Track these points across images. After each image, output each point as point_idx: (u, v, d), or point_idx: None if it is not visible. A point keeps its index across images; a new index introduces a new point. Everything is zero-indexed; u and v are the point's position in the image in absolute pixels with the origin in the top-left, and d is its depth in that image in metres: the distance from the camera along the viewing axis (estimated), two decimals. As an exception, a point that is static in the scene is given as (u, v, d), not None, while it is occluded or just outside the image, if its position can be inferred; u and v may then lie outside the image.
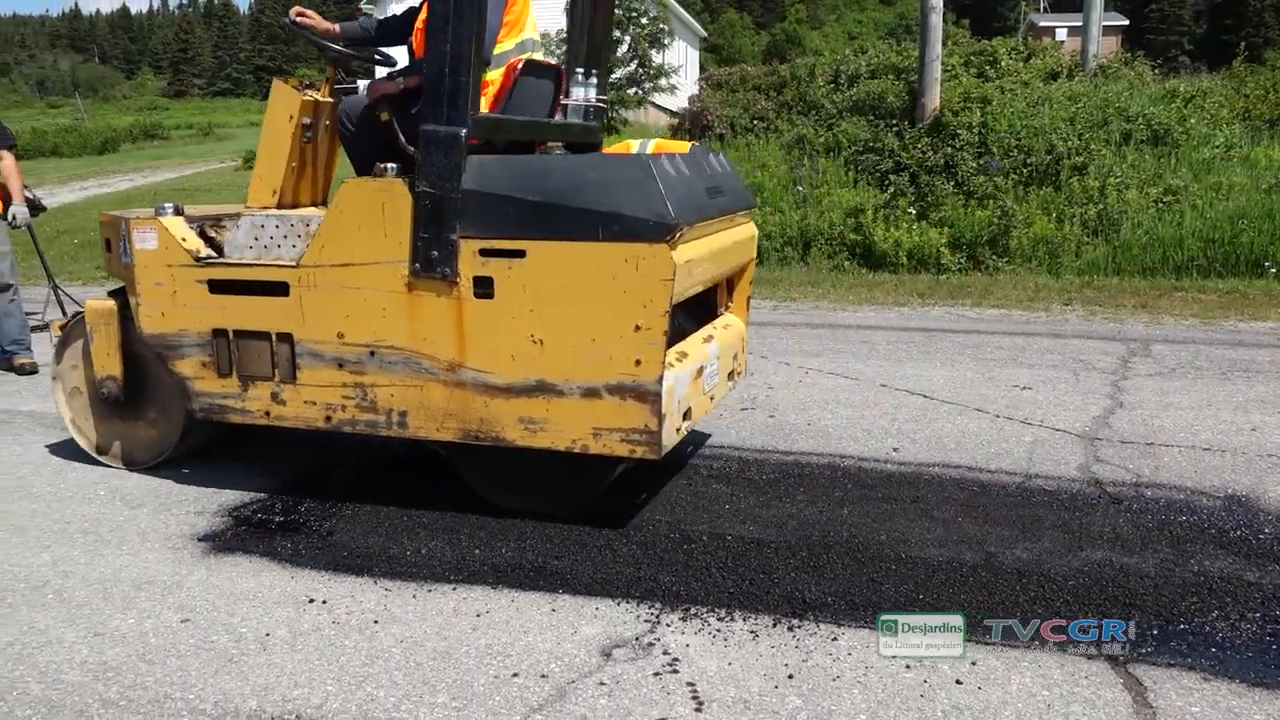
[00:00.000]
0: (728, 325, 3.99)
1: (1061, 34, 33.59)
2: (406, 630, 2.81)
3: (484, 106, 3.58)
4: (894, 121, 11.26)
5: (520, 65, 3.70)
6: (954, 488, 3.85)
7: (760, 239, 9.86)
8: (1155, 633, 2.74)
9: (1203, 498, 3.74)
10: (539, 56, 3.92)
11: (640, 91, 23.11)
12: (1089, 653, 2.64)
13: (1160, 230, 9.25)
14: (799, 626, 2.81)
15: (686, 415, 3.37)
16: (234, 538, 3.47)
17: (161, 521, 3.61)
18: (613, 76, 22.55)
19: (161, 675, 2.59)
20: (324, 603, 2.98)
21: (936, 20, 10.88)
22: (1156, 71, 14.02)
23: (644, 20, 23.22)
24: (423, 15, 3.55)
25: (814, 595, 2.98)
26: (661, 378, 3.11)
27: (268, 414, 3.63)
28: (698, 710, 2.41)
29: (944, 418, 4.79)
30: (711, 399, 3.68)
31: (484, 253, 3.21)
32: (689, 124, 13.08)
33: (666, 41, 23.96)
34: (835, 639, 2.73)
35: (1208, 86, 13.11)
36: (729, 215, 3.67)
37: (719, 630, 2.79)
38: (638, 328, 3.07)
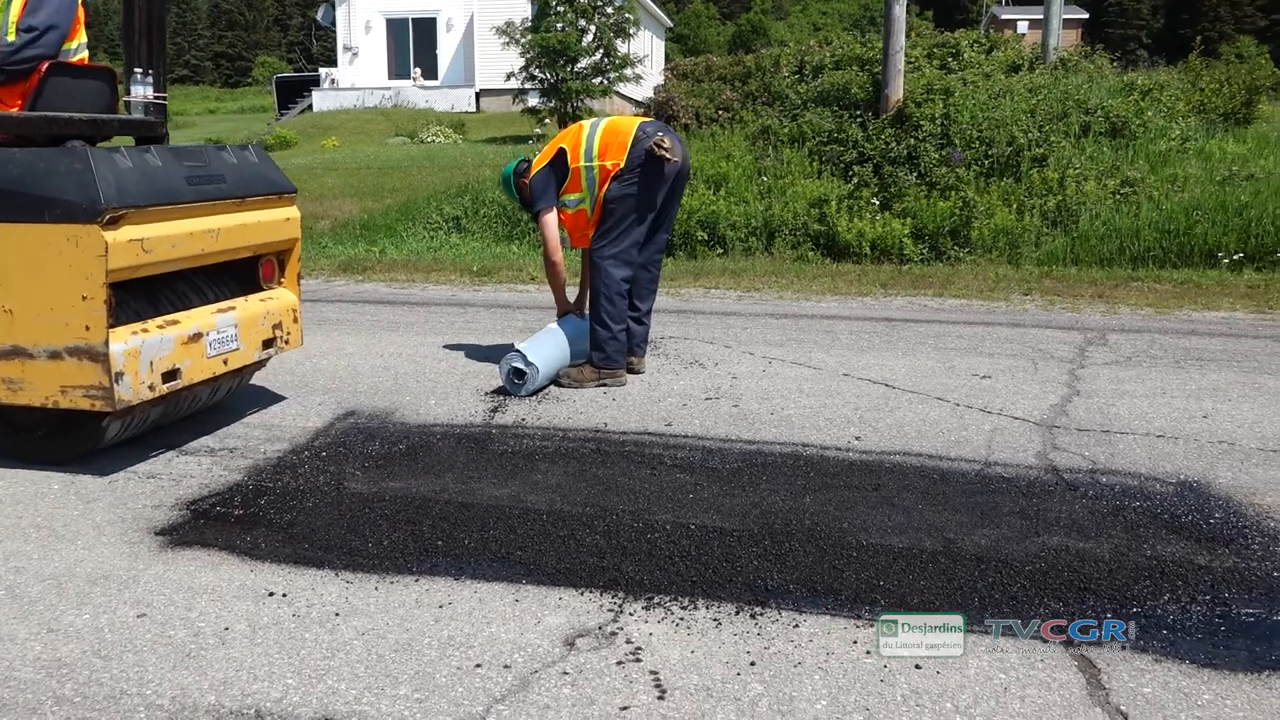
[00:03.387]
0: (268, 298, 4.50)
1: (1023, 26, 33.97)
2: (368, 622, 2.79)
3: (14, 105, 4.05)
4: (858, 112, 11.33)
5: (46, 67, 4.06)
6: (914, 475, 3.90)
7: (724, 229, 9.98)
8: (1109, 616, 2.79)
9: (1156, 484, 3.81)
10: (79, 58, 4.33)
11: (605, 81, 23.05)
12: (1045, 636, 2.68)
13: (1117, 221, 9.40)
14: (761, 614, 2.83)
15: (172, 376, 3.88)
16: (191, 531, 3.43)
17: (117, 515, 3.56)
18: (578, 65, 22.49)
19: (117, 671, 2.55)
20: (284, 596, 2.95)
21: (900, 12, 10.95)
22: (1115, 64, 14.23)
23: (609, 10, 23.15)
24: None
25: (776, 583, 3.00)
26: (108, 340, 3.58)
27: None
28: (660, 698, 2.42)
29: (905, 406, 4.83)
30: (226, 363, 4.18)
31: None
32: (654, 114, 13.07)
33: (632, 31, 23.90)
34: (797, 626, 2.76)
35: (1164, 80, 13.32)
36: (227, 200, 4.16)
37: (682, 619, 2.81)
38: (84, 298, 3.56)
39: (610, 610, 2.86)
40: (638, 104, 18.65)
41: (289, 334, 4.59)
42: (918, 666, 2.54)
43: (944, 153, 10.40)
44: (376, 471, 3.96)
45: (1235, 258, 8.74)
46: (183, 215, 3.92)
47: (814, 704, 2.39)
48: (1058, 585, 2.96)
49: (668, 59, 34.90)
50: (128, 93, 4.44)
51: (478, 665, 2.57)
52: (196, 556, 3.22)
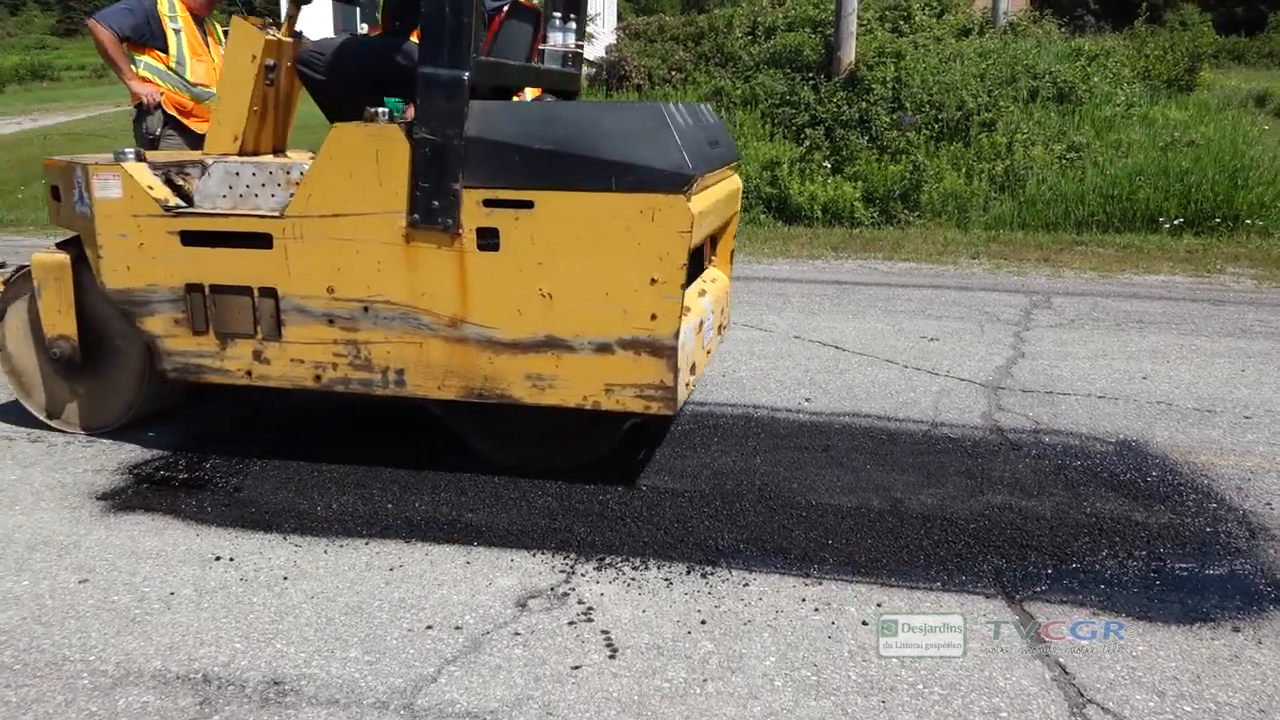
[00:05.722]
0: (714, 279, 3.95)
1: (974, -9, 34.05)
2: (318, 586, 2.77)
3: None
4: (810, 75, 11.30)
5: (507, 7, 3.61)
6: (863, 436, 3.94)
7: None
8: (1050, 571, 2.86)
9: (1096, 443, 3.90)
10: None
11: (557, 40, 22.71)
12: (987, 592, 2.75)
13: (1063, 186, 9.52)
14: (712, 573, 2.85)
15: (692, 369, 3.36)
16: (135, 496, 3.36)
17: (57, 480, 3.47)
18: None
19: (59, 637, 2.51)
20: (231, 560, 2.92)
21: (852, -27, 10.89)
22: (1063, 30, 14.33)
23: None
24: None
25: (727, 543, 3.03)
26: (678, 332, 3.06)
27: (249, 373, 3.45)
28: (611, 657, 2.44)
29: (854, 369, 4.89)
30: (708, 353, 3.68)
31: (488, 203, 3.09)
32: (606, 74, 12.91)
33: (583, -11, 23.52)
34: (747, 584, 2.79)
35: (1111, 46, 13.46)
36: (724, 168, 3.63)
37: (633, 579, 2.82)
38: (653, 281, 3.02)
39: (562, 571, 2.87)
40: (590, 63, 18.41)
41: (728, 319, 4.13)
42: (864, 623, 2.59)
43: (895, 116, 10.44)
44: (324, 435, 3.91)
45: (1176, 223, 8.93)
46: (710, 184, 3.38)
47: (763, 660, 2.43)
48: (1001, 543, 3.03)
49: (620, 18, 34.46)
50: (543, 39, 3.99)
51: (429, 627, 2.57)
52: (140, 521, 3.17)
